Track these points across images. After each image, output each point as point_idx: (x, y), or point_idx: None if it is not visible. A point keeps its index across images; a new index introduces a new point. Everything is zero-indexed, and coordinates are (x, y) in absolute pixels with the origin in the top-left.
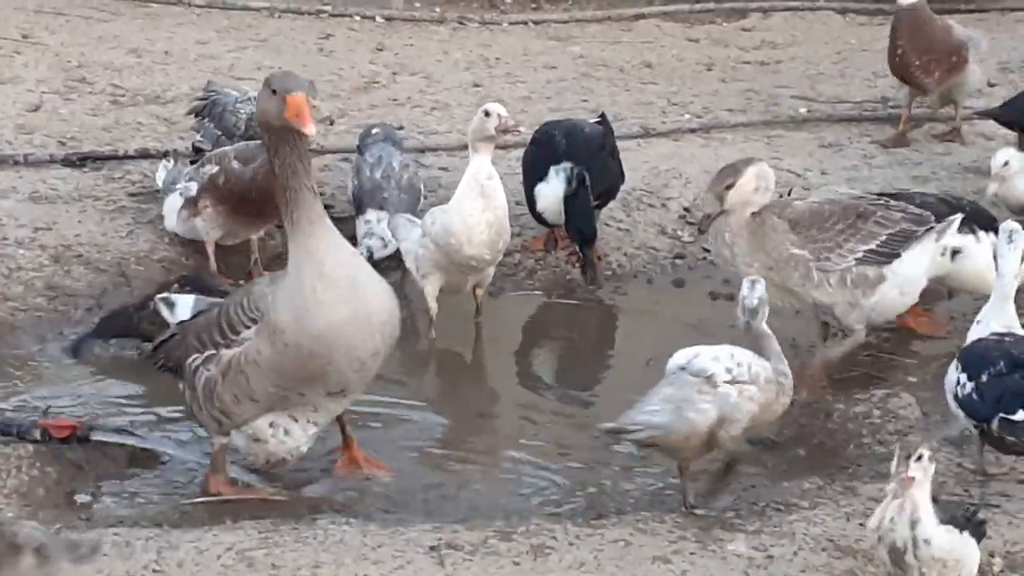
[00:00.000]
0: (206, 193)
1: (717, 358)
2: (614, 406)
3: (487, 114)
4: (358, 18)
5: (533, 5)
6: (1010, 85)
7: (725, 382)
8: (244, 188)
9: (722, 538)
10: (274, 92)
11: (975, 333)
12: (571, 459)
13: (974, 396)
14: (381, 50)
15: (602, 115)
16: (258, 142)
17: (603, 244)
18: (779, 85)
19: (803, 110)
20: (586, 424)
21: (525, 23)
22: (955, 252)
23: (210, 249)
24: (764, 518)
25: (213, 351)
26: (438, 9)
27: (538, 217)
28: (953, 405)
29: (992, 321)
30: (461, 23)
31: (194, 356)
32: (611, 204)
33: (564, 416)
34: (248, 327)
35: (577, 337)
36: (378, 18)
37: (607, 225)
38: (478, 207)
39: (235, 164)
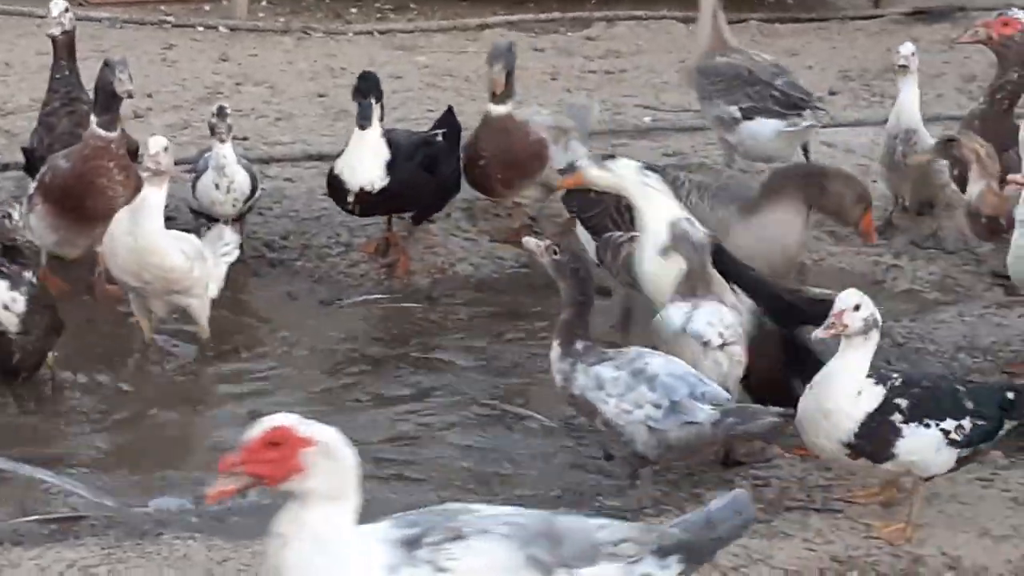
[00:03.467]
0: (38, 190)
1: (711, 323)
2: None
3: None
4: (201, 28)
5: (378, 15)
6: (850, 93)
7: (718, 347)
8: (62, 183)
9: None
10: (859, 202)
11: None
12: (481, 466)
13: None
14: (225, 60)
15: (448, 108)
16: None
17: (449, 254)
18: (624, 94)
19: (647, 119)
20: (497, 432)
21: (370, 33)
22: None
23: (43, 257)
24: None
25: None
26: (282, 19)
27: None
28: None
29: None
30: (306, 33)
31: None
32: (456, 214)
33: (471, 421)
34: None
35: (484, 335)
36: (221, 28)
37: (452, 235)
38: (123, 228)
39: (61, 161)
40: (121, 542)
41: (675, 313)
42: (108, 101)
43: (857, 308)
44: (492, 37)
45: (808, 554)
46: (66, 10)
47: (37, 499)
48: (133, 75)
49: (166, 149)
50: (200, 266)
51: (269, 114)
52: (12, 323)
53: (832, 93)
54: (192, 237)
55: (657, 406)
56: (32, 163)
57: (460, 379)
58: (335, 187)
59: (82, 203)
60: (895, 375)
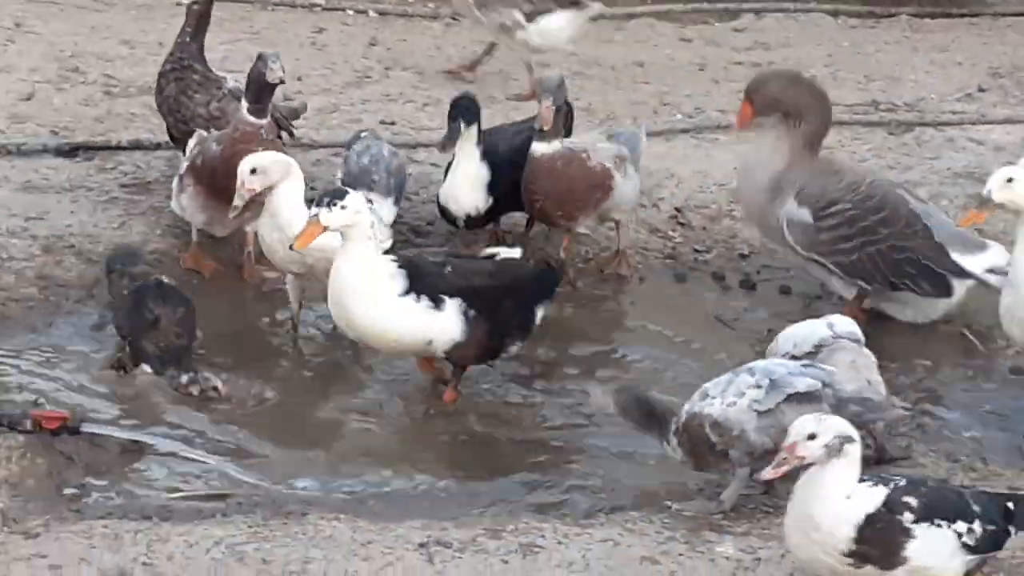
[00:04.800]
0: (188, 172)
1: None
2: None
3: None
4: (351, 12)
5: None
6: (1000, 90)
7: None
8: (211, 165)
9: (710, 539)
10: None
11: None
12: (560, 457)
13: None
14: (374, 45)
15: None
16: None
17: (593, 244)
18: None
19: None
20: (577, 423)
21: None
22: None
23: (194, 235)
24: (752, 520)
25: None
26: (431, 4)
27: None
28: None
29: None
30: (454, 19)
31: None
32: None
33: (556, 414)
34: None
35: (572, 333)
36: (371, 12)
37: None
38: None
39: (212, 144)
40: (267, 521)
41: None
42: (260, 91)
43: (813, 437)
44: (639, 28)
45: None
46: None
47: (183, 476)
48: (284, 62)
49: (253, 171)
50: None
51: (417, 99)
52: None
53: (982, 90)
54: None
55: (758, 386)
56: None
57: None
58: (444, 214)
59: (230, 185)
60: (897, 477)
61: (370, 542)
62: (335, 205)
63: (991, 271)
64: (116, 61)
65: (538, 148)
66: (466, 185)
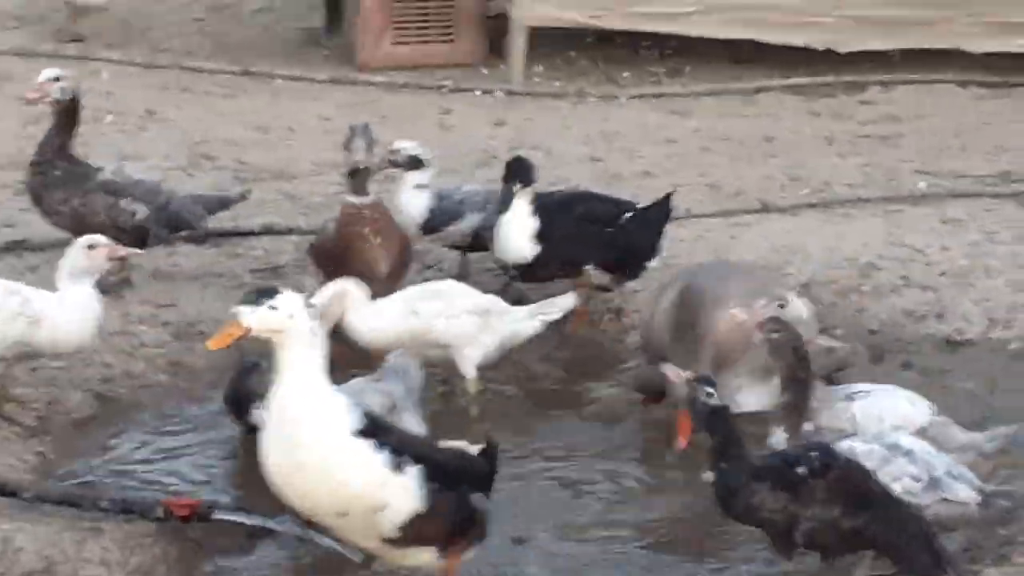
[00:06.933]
0: (309, 252)
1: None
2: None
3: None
4: (478, 92)
5: (651, 79)
6: None
7: None
8: (327, 245)
9: None
10: None
11: None
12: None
13: None
14: (501, 125)
15: (667, 195)
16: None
17: None
18: (899, 159)
19: (922, 184)
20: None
21: (643, 97)
22: None
23: None
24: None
25: None
26: (557, 83)
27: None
28: None
29: None
30: (580, 97)
31: None
32: None
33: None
34: None
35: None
36: (498, 92)
37: None
38: None
39: (329, 224)
40: None
41: None
42: (349, 170)
43: None
44: (767, 101)
45: None
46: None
47: (310, 561)
48: (412, 139)
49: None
50: None
51: (545, 177)
52: None
53: None
54: None
55: (916, 479)
56: None
57: None
58: (502, 266)
59: (344, 267)
60: None
61: None
62: (262, 304)
63: None
64: (247, 146)
65: None
66: (512, 236)
